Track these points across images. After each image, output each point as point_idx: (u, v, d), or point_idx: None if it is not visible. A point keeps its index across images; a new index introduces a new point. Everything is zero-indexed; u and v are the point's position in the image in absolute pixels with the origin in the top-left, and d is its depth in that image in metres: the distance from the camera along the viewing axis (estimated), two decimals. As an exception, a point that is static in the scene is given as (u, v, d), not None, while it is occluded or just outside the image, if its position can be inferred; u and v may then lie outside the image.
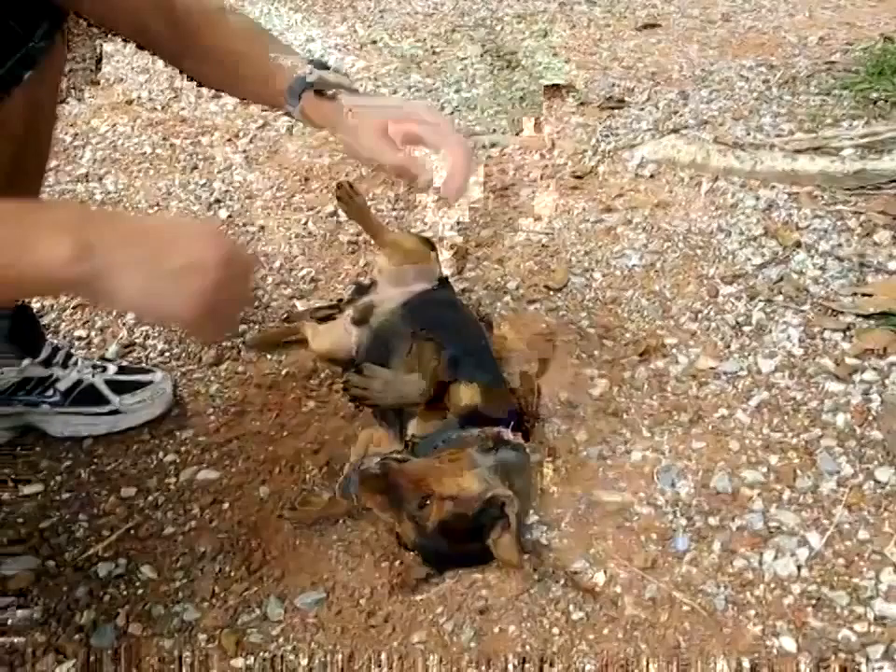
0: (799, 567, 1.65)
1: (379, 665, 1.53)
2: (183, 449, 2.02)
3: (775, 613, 1.58)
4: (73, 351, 2.12)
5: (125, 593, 1.68)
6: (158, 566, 1.74)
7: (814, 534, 1.71)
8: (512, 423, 1.82)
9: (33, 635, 1.60)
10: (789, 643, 1.52)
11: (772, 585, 1.62)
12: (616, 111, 3.53)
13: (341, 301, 2.35)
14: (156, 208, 3.06)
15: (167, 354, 2.33)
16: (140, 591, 1.69)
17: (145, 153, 3.49)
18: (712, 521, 1.76)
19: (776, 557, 1.67)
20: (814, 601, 1.59)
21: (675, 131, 3.28)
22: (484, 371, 1.90)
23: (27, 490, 1.92)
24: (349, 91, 1.71)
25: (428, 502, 1.62)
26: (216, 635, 1.60)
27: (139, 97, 3.96)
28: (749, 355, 2.17)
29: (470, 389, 1.82)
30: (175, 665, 1.55)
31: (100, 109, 3.81)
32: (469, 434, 1.77)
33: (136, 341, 2.38)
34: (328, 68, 1.72)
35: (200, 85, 1.85)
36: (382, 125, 1.67)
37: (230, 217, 2.98)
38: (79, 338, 2.40)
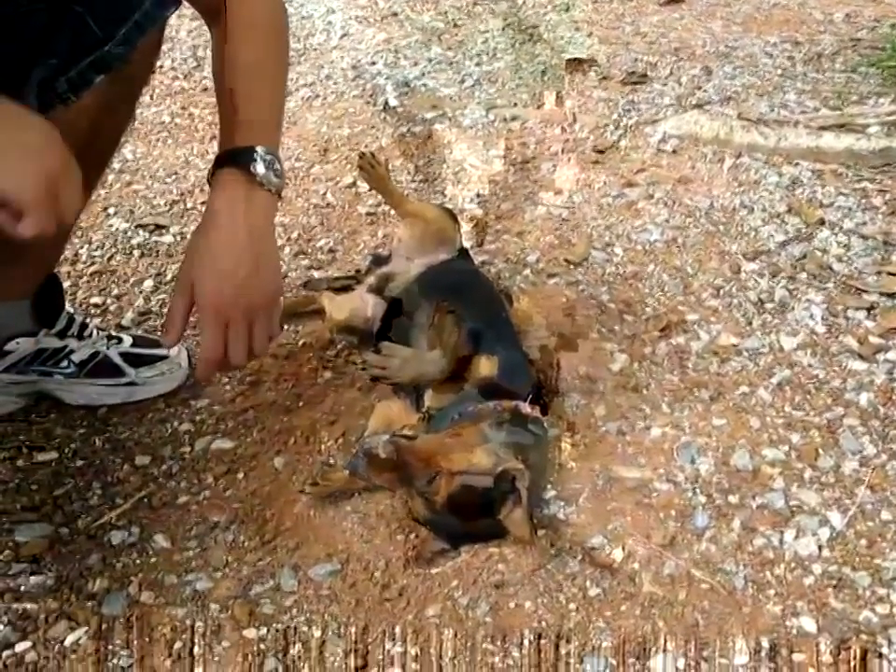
0: (820, 547, 1.63)
1: (393, 639, 1.51)
2: (198, 418, 2.01)
3: (795, 593, 1.55)
4: (88, 321, 2.09)
5: (138, 561, 1.67)
6: (171, 535, 1.72)
7: (836, 514, 1.69)
8: (531, 396, 1.80)
9: (45, 601, 1.58)
10: (809, 623, 1.50)
11: (792, 565, 1.60)
12: (638, 86, 3.49)
13: (359, 271, 2.33)
14: (174, 177, 3.04)
15: (183, 322, 2.31)
16: (153, 559, 1.67)
17: (164, 122, 3.47)
18: (732, 499, 1.73)
19: (796, 537, 1.65)
20: (835, 581, 1.57)
21: (698, 106, 3.24)
22: (505, 344, 1.88)
23: (41, 457, 1.90)
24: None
25: (437, 478, 1.60)
26: (228, 605, 1.58)
27: (161, 66, 3.93)
28: (772, 332, 2.15)
29: (490, 362, 1.80)
30: (187, 635, 1.53)
31: (119, 78, 3.79)
32: (485, 407, 1.75)
33: (152, 309, 2.36)
34: (278, 166, 1.62)
35: None
36: (190, 279, 1.57)
37: (248, 187, 2.95)
38: (95, 305, 2.38)
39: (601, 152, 3.05)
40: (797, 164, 2.84)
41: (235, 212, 1.56)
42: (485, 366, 1.81)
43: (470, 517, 1.62)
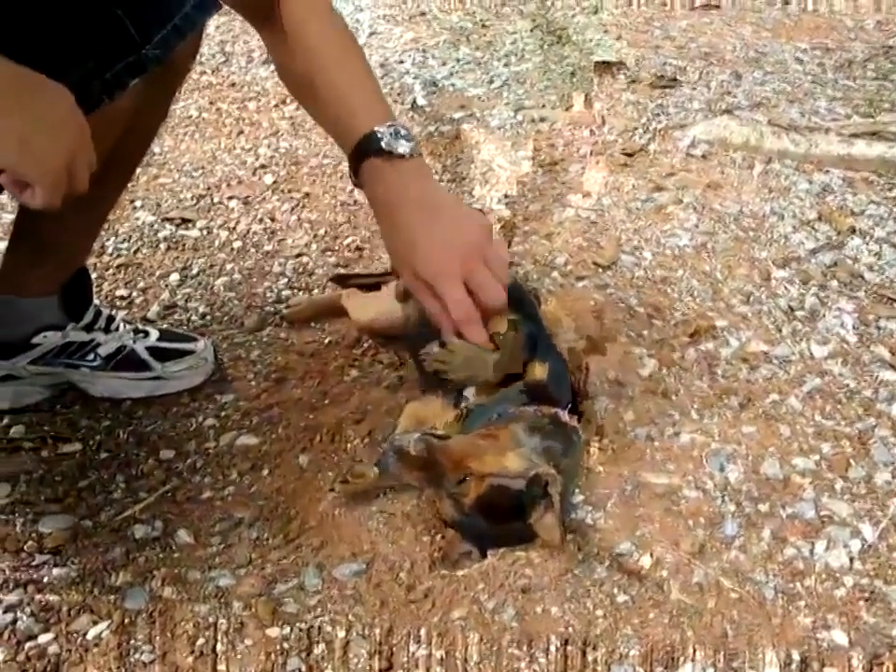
0: (852, 559, 1.59)
1: (418, 641, 1.49)
2: (223, 414, 1.99)
3: (826, 605, 1.52)
4: (115, 314, 2.08)
5: (161, 556, 1.65)
6: (194, 530, 1.70)
7: (867, 526, 1.66)
8: (570, 405, 1.78)
9: (68, 593, 1.57)
10: (840, 637, 1.47)
11: (823, 577, 1.57)
12: (668, 90, 3.48)
13: (387, 273, 2.31)
14: (201, 171, 3.03)
15: (208, 317, 2.30)
16: (176, 555, 1.65)
17: (191, 116, 3.47)
18: (762, 507, 1.71)
19: (827, 548, 1.62)
20: (867, 595, 1.54)
21: (727, 111, 3.22)
22: (548, 349, 1.85)
23: (66, 448, 1.89)
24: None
25: (467, 479, 1.58)
26: (251, 603, 1.56)
27: (189, 60, 3.93)
28: (802, 340, 2.12)
29: (542, 367, 1.77)
30: (210, 632, 1.52)
31: (146, 71, 3.79)
32: (525, 410, 1.72)
33: (178, 303, 2.35)
34: (403, 131, 1.64)
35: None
36: (411, 267, 1.63)
37: (275, 182, 2.95)
38: (121, 297, 2.38)
39: (630, 155, 3.03)
40: (828, 172, 2.81)
41: (402, 190, 1.62)
42: (539, 371, 1.78)
43: (500, 520, 1.60)
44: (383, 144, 1.58)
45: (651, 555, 1.62)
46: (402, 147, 1.60)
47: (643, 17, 4.40)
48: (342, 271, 2.45)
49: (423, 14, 4.59)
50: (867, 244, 2.45)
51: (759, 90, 3.41)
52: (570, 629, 1.50)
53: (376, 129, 1.60)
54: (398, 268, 1.68)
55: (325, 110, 1.71)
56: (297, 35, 1.65)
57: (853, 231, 2.51)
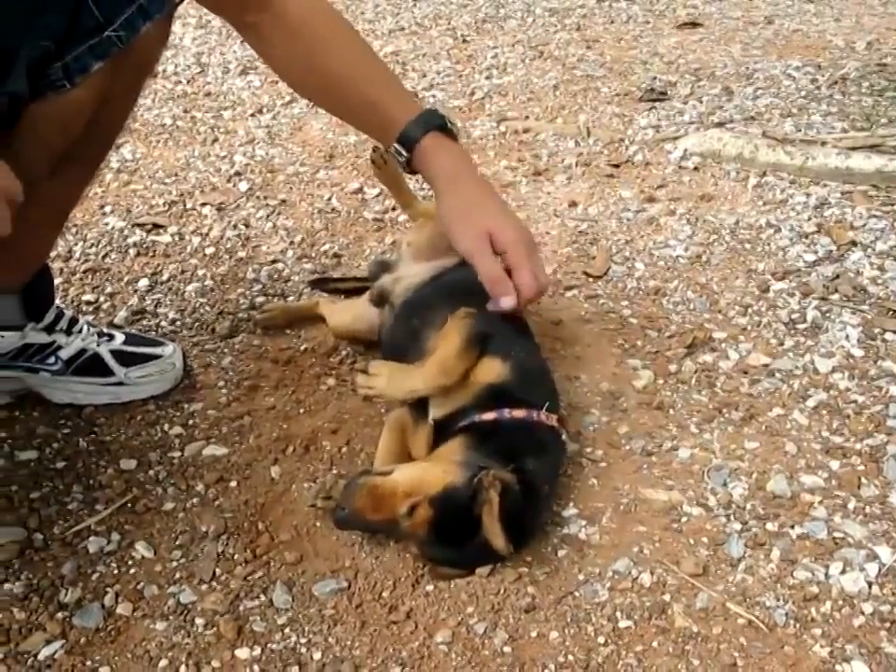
0: (870, 584, 1.47)
1: (400, 665, 1.36)
2: (190, 422, 1.87)
3: (844, 635, 1.39)
4: (78, 316, 1.96)
5: (116, 571, 1.52)
6: (154, 543, 1.57)
7: (884, 548, 1.53)
8: (547, 404, 1.64)
9: (11, 611, 1.43)
10: (861, 669, 1.34)
11: (840, 602, 1.44)
12: (657, 103, 3.42)
13: (365, 278, 2.20)
14: (174, 178, 2.92)
15: (178, 323, 2.18)
16: (133, 569, 1.52)
17: (164, 125, 3.38)
18: (770, 526, 1.58)
19: (843, 571, 1.49)
20: (888, 623, 1.41)
21: (720, 124, 3.13)
22: (521, 349, 1.73)
23: (22, 456, 1.76)
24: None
25: (416, 507, 1.45)
26: (214, 620, 1.43)
27: (164, 70, 3.86)
28: (805, 353, 2.01)
29: (499, 366, 1.65)
30: (173, 652, 1.37)
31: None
32: (493, 416, 1.60)
33: (147, 308, 2.23)
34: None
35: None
36: (483, 227, 1.63)
37: (250, 189, 2.84)
38: (88, 302, 2.26)
39: (616, 166, 2.96)
40: (825, 185, 2.72)
41: (467, 163, 1.74)
42: (493, 371, 1.65)
43: (461, 541, 1.47)
44: (447, 121, 1.67)
45: (652, 574, 1.49)
46: (455, 130, 1.71)
47: (631, 34, 4.36)
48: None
49: (402, 29, 4.53)
50: (869, 257, 2.34)
51: (751, 104, 3.34)
52: (570, 657, 1.36)
53: (433, 108, 1.68)
54: (465, 229, 1.65)
55: (357, 100, 1.73)
56: (304, 31, 1.68)
57: (853, 244, 2.41)
